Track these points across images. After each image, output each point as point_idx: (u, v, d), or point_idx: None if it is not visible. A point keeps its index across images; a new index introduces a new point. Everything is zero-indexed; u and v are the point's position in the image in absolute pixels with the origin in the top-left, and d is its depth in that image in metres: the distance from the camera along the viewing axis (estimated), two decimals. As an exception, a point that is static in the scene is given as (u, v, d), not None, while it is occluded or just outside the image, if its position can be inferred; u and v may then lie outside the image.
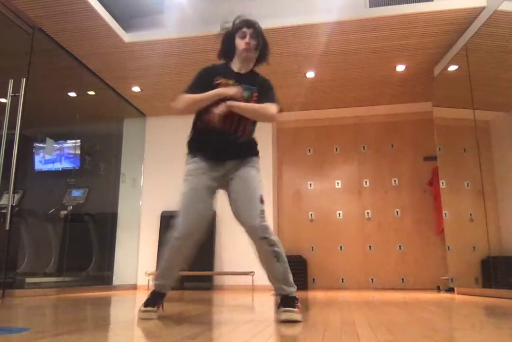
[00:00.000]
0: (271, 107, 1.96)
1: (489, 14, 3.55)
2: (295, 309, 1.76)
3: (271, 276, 1.91)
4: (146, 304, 1.86)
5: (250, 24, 2.13)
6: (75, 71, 4.68)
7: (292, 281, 1.93)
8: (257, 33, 2.11)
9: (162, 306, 1.92)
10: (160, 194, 5.80)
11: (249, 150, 2.02)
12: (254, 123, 2.03)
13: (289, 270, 1.93)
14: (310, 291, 4.86)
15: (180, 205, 1.93)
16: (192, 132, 2.11)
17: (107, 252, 5.39)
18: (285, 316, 1.73)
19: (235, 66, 2.09)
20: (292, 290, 1.91)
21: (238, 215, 1.91)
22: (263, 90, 2.02)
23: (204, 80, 2.03)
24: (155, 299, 1.89)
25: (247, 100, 1.94)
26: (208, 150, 1.99)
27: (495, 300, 3.13)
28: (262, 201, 1.91)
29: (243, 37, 2.06)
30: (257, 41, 2.09)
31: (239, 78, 2.01)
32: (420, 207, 5.63)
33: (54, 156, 5.60)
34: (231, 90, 1.91)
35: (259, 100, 1.97)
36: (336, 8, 3.99)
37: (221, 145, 1.97)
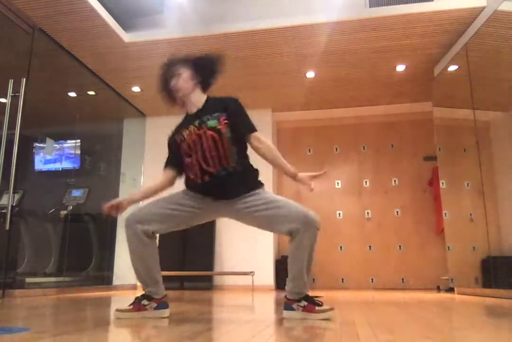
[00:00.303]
0: (262, 140, 1.88)
1: (489, 14, 3.55)
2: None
3: (299, 272, 1.93)
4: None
5: (164, 65, 2.10)
6: (75, 71, 4.68)
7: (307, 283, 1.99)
8: (174, 69, 2.03)
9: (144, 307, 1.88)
10: (160, 194, 5.80)
11: (246, 187, 1.89)
12: (235, 149, 1.88)
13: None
14: (311, 291, 4.85)
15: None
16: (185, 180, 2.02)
17: (107, 252, 5.39)
18: None
19: (188, 107, 2.01)
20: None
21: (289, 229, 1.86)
22: (233, 113, 1.90)
23: (172, 148, 2.03)
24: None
25: (213, 128, 1.84)
26: (205, 193, 1.91)
27: (495, 300, 3.13)
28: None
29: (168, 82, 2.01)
30: (179, 77, 2.00)
31: (198, 116, 1.92)
32: (420, 207, 5.63)
33: (54, 156, 5.60)
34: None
35: (232, 123, 1.87)
36: (336, 8, 3.99)
37: (213, 187, 1.86)
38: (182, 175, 2.01)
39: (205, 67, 2.04)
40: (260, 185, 1.94)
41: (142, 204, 2.05)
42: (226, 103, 1.95)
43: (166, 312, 1.88)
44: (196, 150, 1.85)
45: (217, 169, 1.83)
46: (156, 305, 1.87)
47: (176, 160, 2.00)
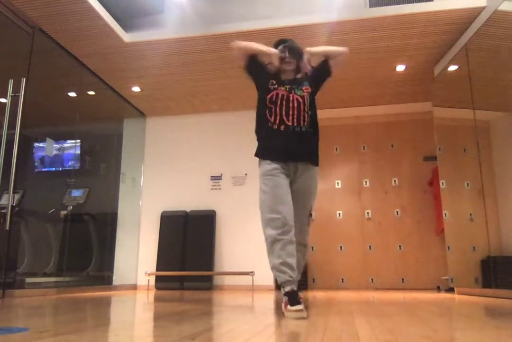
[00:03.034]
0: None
1: (489, 14, 3.55)
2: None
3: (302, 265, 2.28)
4: (292, 303, 1.90)
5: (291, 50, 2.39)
6: (75, 71, 4.68)
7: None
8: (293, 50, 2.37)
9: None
10: (160, 194, 5.80)
11: (314, 155, 2.26)
12: (314, 113, 2.28)
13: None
14: (310, 291, 4.86)
15: (266, 203, 2.11)
16: (258, 141, 2.31)
17: (107, 252, 5.39)
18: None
19: (288, 74, 2.37)
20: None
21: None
22: (313, 75, 2.39)
23: (260, 66, 2.38)
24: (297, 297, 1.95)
25: (299, 95, 2.24)
26: (277, 154, 2.19)
27: (495, 300, 3.13)
28: (310, 214, 2.27)
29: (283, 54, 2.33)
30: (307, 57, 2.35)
31: (291, 84, 2.29)
32: (420, 207, 5.63)
33: (54, 156, 5.59)
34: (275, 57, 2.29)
35: (316, 77, 2.39)
36: (336, 8, 3.99)
37: (288, 145, 2.18)
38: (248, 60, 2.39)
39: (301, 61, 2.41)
40: (318, 162, 2.29)
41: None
42: (308, 76, 2.38)
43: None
44: (281, 103, 2.21)
45: (294, 124, 2.18)
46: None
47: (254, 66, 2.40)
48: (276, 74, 2.33)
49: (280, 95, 2.22)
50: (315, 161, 2.25)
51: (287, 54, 2.31)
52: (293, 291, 2.00)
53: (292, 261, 2.03)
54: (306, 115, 2.21)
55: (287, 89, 2.25)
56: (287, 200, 2.10)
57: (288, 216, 2.05)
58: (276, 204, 2.06)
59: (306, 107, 2.23)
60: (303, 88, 2.28)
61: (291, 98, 2.21)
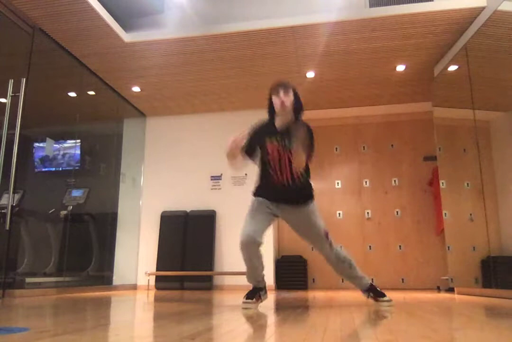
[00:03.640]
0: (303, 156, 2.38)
1: (489, 14, 3.55)
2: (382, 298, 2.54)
3: (350, 278, 2.66)
4: (247, 297, 2.43)
5: (281, 85, 2.54)
6: (75, 71, 4.68)
7: (363, 276, 2.66)
8: (287, 90, 2.50)
9: (260, 298, 2.49)
10: (160, 194, 5.80)
11: (304, 198, 2.51)
12: (306, 169, 2.46)
13: (354, 267, 2.66)
14: (310, 291, 4.86)
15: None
16: (257, 182, 2.57)
17: (107, 252, 5.39)
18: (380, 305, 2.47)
19: (279, 121, 2.50)
20: (368, 282, 2.64)
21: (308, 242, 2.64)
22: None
23: (252, 140, 2.52)
24: (253, 293, 2.47)
25: (290, 150, 2.36)
26: (269, 197, 2.48)
27: (495, 300, 3.13)
28: (327, 235, 2.59)
29: (277, 96, 2.48)
30: (289, 97, 2.47)
31: (281, 135, 2.42)
32: (420, 207, 5.63)
33: (54, 156, 5.59)
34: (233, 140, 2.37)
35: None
36: (336, 8, 3.99)
37: (280, 194, 2.47)
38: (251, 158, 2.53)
39: (298, 102, 2.53)
40: (312, 197, 2.56)
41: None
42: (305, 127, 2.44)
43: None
44: (274, 161, 2.41)
45: (288, 181, 2.42)
46: (264, 292, 2.57)
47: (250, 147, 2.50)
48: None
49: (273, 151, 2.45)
50: (305, 203, 2.52)
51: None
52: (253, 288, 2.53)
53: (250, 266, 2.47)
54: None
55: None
56: (253, 222, 2.44)
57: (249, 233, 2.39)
58: (245, 225, 2.44)
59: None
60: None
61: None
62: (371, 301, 2.63)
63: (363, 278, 2.63)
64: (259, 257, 2.45)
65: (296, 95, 2.52)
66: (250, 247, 2.37)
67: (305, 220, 2.52)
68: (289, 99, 2.45)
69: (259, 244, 2.38)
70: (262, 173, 2.50)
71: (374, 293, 2.59)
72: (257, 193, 2.54)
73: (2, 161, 3.41)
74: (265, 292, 2.57)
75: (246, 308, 2.34)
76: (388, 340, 1.22)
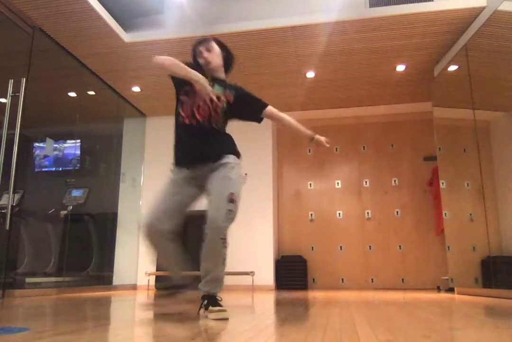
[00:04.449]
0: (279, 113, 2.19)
1: (489, 14, 3.55)
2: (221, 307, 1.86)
3: (208, 273, 1.98)
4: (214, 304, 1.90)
5: (198, 40, 2.25)
6: (75, 71, 4.68)
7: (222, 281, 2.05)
8: (209, 44, 2.19)
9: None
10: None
11: (224, 149, 2.06)
12: (225, 116, 2.08)
13: (225, 264, 2.02)
14: (310, 291, 4.86)
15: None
16: (174, 140, 2.16)
17: (107, 252, 5.39)
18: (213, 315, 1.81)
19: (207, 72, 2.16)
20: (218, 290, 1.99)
21: (207, 214, 1.92)
22: (244, 95, 2.15)
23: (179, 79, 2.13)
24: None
25: (218, 97, 2.01)
26: (184, 158, 2.08)
27: (495, 300, 3.13)
28: (231, 200, 1.91)
29: (201, 54, 2.17)
30: (212, 51, 2.16)
31: (211, 81, 2.07)
32: (420, 207, 5.63)
33: (54, 156, 5.59)
34: (209, 89, 1.94)
35: (244, 104, 2.11)
36: (336, 8, 3.99)
37: (193, 147, 2.03)
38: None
39: (229, 55, 2.22)
40: (237, 153, 2.10)
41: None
42: (239, 88, 2.18)
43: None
44: (195, 98, 2.03)
45: (203, 120, 2.01)
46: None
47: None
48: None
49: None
50: (224, 157, 2.03)
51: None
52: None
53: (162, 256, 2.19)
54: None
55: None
56: (162, 205, 2.10)
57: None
58: (151, 207, 2.12)
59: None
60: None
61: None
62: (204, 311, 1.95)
63: (223, 282, 2.06)
64: (176, 247, 2.07)
65: (224, 49, 2.19)
66: (154, 238, 2.00)
67: (219, 175, 1.96)
68: (213, 53, 2.13)
69: (167, 233, 2.00)
70: (175, 119, 2.09)
71: (211, 302, 1.92)
72: (174, 158, 2.14)
73: (2, 161, 3.41)
74: (185, 290, 2.09)
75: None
76: (388, 340, 1.22)
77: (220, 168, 1.97)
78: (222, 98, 2.05)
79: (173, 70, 2.00)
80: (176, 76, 2.02)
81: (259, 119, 2.20)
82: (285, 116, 2.20)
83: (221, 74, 2.18)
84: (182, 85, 2.08)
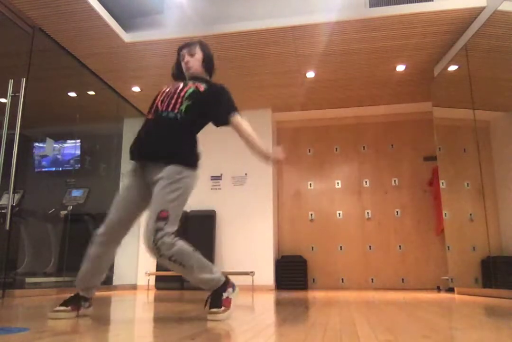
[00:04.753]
0: (244, 124, 2.03)
1: (489, 14, 3.55)
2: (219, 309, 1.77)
3: (194, 282, 1.85)
4: (61, 303, 1.85)
5: (183, 45, 2.21)
6: (75, 71, 4.68)
7: (209, 279, 1.84)
8: (190, 49, 2.16)
9: (79, 309, 1.86)
10: (160, 194, 5.79)
11: (171, 153, 1.90)
12: (192, 105, 1.95)
13: (198, 269, 1.79)
14: (310, 291, 4.86)
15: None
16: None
17: (107, 252, 5.38)
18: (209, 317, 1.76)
19: None
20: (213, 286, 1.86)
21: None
22: (218, 94, 2.04)
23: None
24: (72, 300, 1.88)
25: (187, 95, 1.96)
26: (135, 151, 2.07)
27: (495, 300, 3.13)
28: (160, 218, 1.77)
29: (183, 58, 2.15)
30: (193, 56, 2.13)
31: (186, 83, 2.05)
32: (420, 207, 5.63)
33: (54, 156, 5.59)
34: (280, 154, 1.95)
35: (215, 102, 2.00)
36: (336, 8, 3.99)
37: (143, 140, 2.00)
38: None
39: (210, 61, 2.17)
40: (187, 161, 1.90)
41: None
42: (215, 87, 2.06)
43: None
44: (164, 97, 2.01)
45: (163, 109, 1.95)
46: (88, 304, 1.94)
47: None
48: None
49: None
50: (166, 159, 1.91)
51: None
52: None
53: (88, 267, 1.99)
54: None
55: None
56: (116, 211, 2.07)
57: None
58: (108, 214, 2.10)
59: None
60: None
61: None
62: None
63: (212, 279, 1.83)
64: (106, 260, 1.96)
65: (205, 51, 2.15)
66: (102, 247, 1.95)
67: (156, 190, 1.84)
68: (194, 59, 2.10)
69: (114, 245, 1.97)
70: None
71: (214, 300, 1.82)
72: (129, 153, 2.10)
73: (2, 161, 3.41)
74: (90, 306, 1.93)
75: (54, 318, 1.76)
76: (388, 340, 1.22)
77: (160, 182, 1.84)
78: (190, 84, 2.01)
79: (258, 145, 1.98)
80: (253, 151, 1.99)
81: (225, 122, 2.03)
82: (245, 130, 1.99)
83: (204, 77, 2.15)
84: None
